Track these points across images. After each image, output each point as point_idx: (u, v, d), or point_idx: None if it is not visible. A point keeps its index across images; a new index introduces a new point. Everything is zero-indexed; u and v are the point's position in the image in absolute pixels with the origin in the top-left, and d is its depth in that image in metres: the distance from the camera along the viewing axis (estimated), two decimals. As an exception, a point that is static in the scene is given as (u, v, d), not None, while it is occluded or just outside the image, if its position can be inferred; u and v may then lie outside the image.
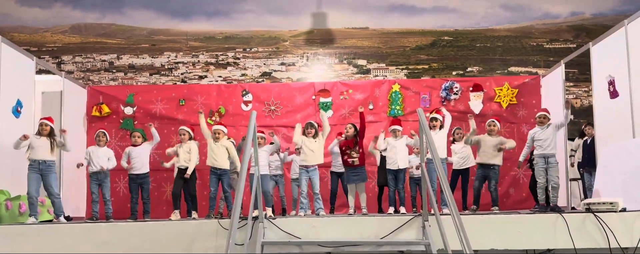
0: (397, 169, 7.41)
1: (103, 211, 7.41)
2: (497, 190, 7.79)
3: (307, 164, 7.17)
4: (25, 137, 6.88)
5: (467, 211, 7.67)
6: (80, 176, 9.20)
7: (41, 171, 6.87)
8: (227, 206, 7.24)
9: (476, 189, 7.77)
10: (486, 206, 7.94)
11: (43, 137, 7.01)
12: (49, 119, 7.21)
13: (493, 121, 7.91)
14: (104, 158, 7.47)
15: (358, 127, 7.55)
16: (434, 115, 7.59)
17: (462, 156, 8.06)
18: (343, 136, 7.61)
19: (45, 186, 6.97)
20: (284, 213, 7.97)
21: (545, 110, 7.54)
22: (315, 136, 7.28)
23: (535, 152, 7.30)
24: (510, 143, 7.79)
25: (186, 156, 7.40)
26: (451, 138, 8.27)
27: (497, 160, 7.69)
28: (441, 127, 7.50)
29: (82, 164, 7.72)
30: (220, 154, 7.21)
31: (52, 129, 7.10)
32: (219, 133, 7.33)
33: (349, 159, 7.45)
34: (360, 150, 7.48)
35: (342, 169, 7.71)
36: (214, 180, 7.22)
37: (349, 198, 7.56)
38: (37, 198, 6.81)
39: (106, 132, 7.71)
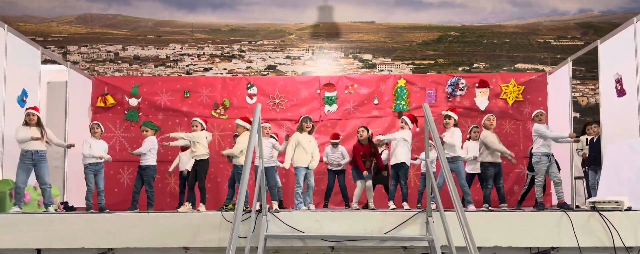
0: (399, 163, 7.41)
1: (96, 201, 7.46)
2: (503, 187, 7.80)
3: (300, 165, 7.28)
4: (71, 146, 7.49)
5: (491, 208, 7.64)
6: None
7: (33, 161, 6.91)
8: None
9: (487, 188, 7.77)
10: (495, 203, 7.94)
11: (32, 127, 6.99)
12: (35, 108, 7.19)
13: (492, 115, 7.92)
14: (103, 149, 7.55)
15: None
16: (448, 113, 7.53)
17: (475, 154, 8.00)
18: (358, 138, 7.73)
19: (36, 175, 7.00)
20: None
21: (544, 109, 7.67)
22: (311, 131, 7.41)
23: (540, 150, 7.25)
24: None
25: (194, 147, 7.40)
26: (467, 136, 8.22)
27: (493, 158, 7.69)
28: (455, 125, 7.47)
29: (73, 145, 7.65)
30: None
31: (39, 118, 7.08)
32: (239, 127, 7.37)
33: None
34: (374, 160, 7.65)
35: (338, 168, 7.86)
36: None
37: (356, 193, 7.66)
38: (24, 188, 6.86)
39: (100, 124, 7.76)
